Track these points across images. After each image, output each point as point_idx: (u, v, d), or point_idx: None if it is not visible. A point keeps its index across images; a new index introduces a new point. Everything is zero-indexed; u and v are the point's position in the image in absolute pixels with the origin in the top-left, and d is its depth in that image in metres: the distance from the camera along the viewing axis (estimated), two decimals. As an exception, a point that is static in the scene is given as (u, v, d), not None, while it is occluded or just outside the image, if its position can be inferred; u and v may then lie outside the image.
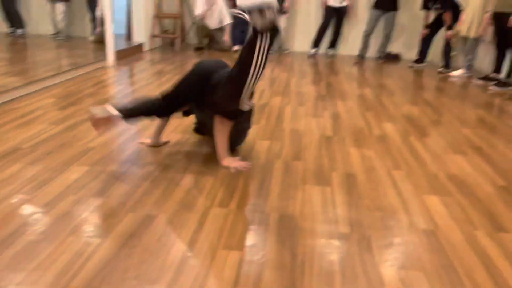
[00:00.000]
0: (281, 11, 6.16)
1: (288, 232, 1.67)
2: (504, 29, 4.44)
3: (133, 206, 1.80)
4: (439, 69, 5.56)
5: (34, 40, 6.18)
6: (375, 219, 1.80)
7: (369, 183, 2.15)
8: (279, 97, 3.76)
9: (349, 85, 4.43)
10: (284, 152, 2.49)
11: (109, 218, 1.70)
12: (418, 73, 5.42)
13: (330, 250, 1.57)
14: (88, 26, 6.38)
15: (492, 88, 4.55)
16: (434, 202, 1.99)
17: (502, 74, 4.70)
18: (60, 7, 6.21)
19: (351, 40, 6.57)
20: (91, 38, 6.15)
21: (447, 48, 5.54)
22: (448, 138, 2.91)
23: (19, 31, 6.42)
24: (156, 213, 1.76)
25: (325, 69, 5.35)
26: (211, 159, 2.32)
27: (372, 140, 2.78)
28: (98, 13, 5.79)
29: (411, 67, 5.84)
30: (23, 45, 5.83)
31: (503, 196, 2.09)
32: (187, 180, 2.07)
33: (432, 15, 5.67)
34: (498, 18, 4.51)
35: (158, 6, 6.19)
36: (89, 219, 1.68)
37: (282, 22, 6.27)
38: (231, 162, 2.22)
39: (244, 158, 2.32)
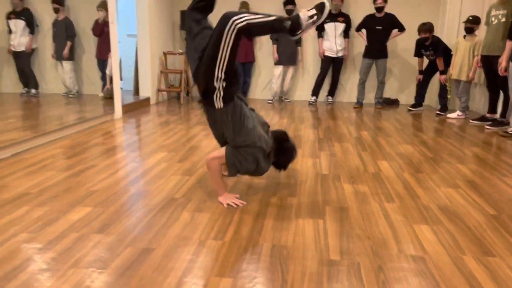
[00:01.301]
0: (294, 61, 6.53)
1: (280, 260, 1.73)
2: (493, 71, 4.61)
3: (132, 241, 1.88)
4: (437, 112, 5.71)
5: (46, 99, 6.49)
6: (365, 247, 1.86)
7: (361, 215, 2.21)
8: (278, 141, 3.89)
9: (347, 129, 4.57)
10: (280, 189, 2.58)
11: (108, 252, 1.78)
12: (416, 116, 5.56)
13: (320, 275, 1.62)
14: (98, 84, 6.72)
15: (488, 127, 4.66)
16: (424, 230, 2.04)
17: (497, 114, 4.82)
18: (66, 65, 6.59)
19: (349, 88, 6.82)
20: (101, 94, 6.46)
21: (443, 92, 5.73)
22: (441, 173, 2.99)
23: (33, 91, 6.77)
24: (154, 246, 1.84)
25: (324, 115, 5.53)
26: (209, 197, 2.41)
27: (367, 177, 2.87)
28: (107, 71, 6.13)
29: (409, 111, 6.00)
30: (35, 103, 6.13)
31: (492, 223, 2.13)
32: (185, 217, 2.15)
33: (425, 61, 5.92)
34: (487, 61, 4.70)
35: (164, 63, 6.54)
36: (89, 254, 1.76)
37: (290, 71, 6.59)
38: (225, 199, 2.31)
39: (241, 195, 2.42)
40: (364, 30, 6.17)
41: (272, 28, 2.12)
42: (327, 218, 2.17)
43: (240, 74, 2.32)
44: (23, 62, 6.67)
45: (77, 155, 3.30)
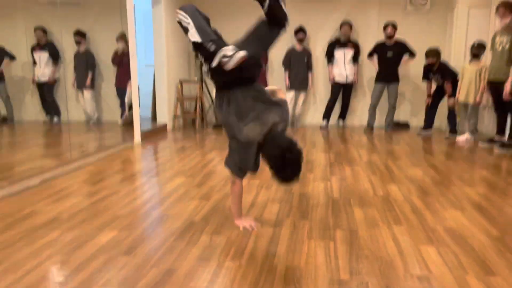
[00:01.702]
0: (305, 86, 6.76)
1: (294, 280, 1.86)
2: (500, 95, 4.73)
3: (156, 262, 2.04)
4: (446, 135, 5.81)
5: (68, 126, 6.78)
6: (374, 268, 1.98)
7: (370, 237, 2.34)
8: (291, 166, 4.05)
9: (358, 153, 4.70)
10: (292, 213, 2.73)
11: (135, 273, 1.94)
12: (426, 139, 5.67)
13: (330, 294, 1.75)
14: (117, 111, 7.00)
15: (497, 150, 4.75)
16: (430, 251, 2.16)
17: (505, 137, 4.92)
18: (86, 94, 6.90)
19: (359, 111, 6.98)
20: (120, 121, 6.73)
21: (452, 115, 5.84)
22: (449, 196, 3.10)
23: (55, 118, 7.08)
24: (176, 267, 1.99)
25: (335, 138, 5.68)
26: (226, 221, 2.57)
27: (376, 201, 2.99)
28: (126, 99, 6.41)
29: (419, 134, 6.11)
30: (58, 131, 6.42)
31: (496, 244, 2.24)
32: (204, 239, 2.31)
33: (433, 85, 6.06)
34: (493, 86, 4.83)
35: (180, 90, 6.81)
36: (119, 274, 1.92)
37: (302, 96, 6.80)
38: (241, 222, 2.47)
39: (255, 219, 2.57)
40: (375, 57, 6.37)
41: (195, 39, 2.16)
42: (337, 240, 2.30)
43: (222, 73, 2.24)
44: (46, 91, 6.99)
45: (101, 181, 3.50)
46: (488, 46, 5.07)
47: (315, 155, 4.54)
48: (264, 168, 2.41)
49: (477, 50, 5.20)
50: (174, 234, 2.38)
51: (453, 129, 5.78)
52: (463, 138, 5.47)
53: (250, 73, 2.33)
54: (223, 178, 3.55)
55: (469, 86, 5.27)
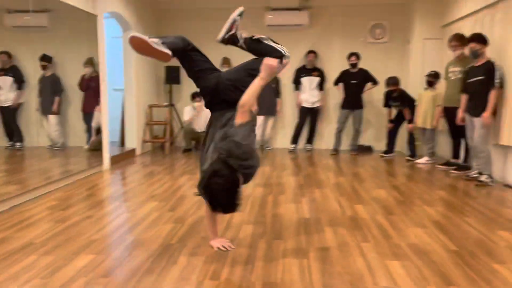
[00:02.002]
0: (273, 112, 6.92)
1: (271, 295, 1.96)
2: (454, 120, 5.09)
3: (136, 283, 2.08)
4: (406, 158, 6.13)
5: (33, 152, 6.63)
6: (345, 282, 2.11)
7: (341, 254, 2.48)
8: (261, 188, 4.18)
9: (325, 175, 4.89)
10: (267, 233, 2.83)
11: (116, 294, 1.98)
12: (388, 162, 5.96)
13: (306, 307, 1.86)
14: (83, 136, 6.93)
15: (453, 172, 5.07)
16: (395, 265, 2.31)
17: (460, 159, 5.26)
18: (52, 119, 6.81)
19: (326, 135, 7.25)
20: (86, 147, 6.66)
21: (411, 139, 6.19)
22: (411, 215, 3.30)
23: (18, 144, 6.91)
24: (157, 287, 2.04)
25: (303, 162, 5.86)
26: (203, 242, 2.64)
27: (345, 220, 3.15)
28: (93, 124, 6.38)
29: (382, 157, 6.41)
30: (22, 156, 6.26)
31: (454, 258, 2.43)
32: (182, 260, 2.37)
33: (394, 111, 6.42)
34: (448, 112, 5.20)
35: (149, 115, 6.86)
36: (99, 296, 1.96)
37: (270, 122, 6.98)
38: (216, 243, 2.55)
39: (230, 240, 2.65)
40: (341, 84, 6.69)
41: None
42: (310, 257, 2.42)
43: (205, 95, 2.53)
44: (9, 116, 6.85)
45: (72, 206, 3.49)
46: (443, 75, 5.46)
47: (285, 178, 4.69)
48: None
49: (432, 78, 5.59)
50: (152, 256, 2.43)
51: (413, 153, 6.11)
52: (422, 161, 5.79)
53: (228, 95, 2.45)
54: (196, 202, 3.62)
55: (426, 112, 5.63)
